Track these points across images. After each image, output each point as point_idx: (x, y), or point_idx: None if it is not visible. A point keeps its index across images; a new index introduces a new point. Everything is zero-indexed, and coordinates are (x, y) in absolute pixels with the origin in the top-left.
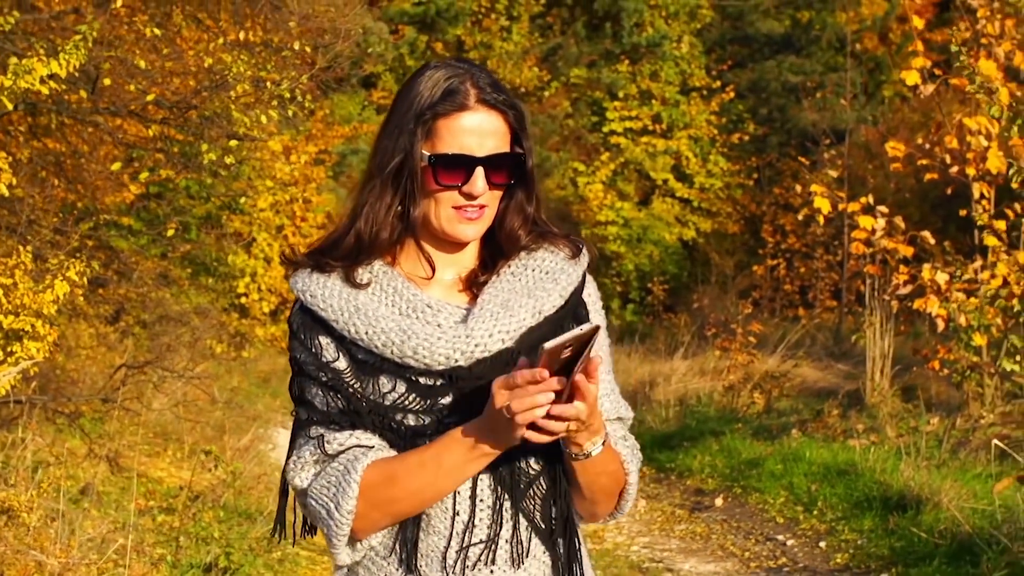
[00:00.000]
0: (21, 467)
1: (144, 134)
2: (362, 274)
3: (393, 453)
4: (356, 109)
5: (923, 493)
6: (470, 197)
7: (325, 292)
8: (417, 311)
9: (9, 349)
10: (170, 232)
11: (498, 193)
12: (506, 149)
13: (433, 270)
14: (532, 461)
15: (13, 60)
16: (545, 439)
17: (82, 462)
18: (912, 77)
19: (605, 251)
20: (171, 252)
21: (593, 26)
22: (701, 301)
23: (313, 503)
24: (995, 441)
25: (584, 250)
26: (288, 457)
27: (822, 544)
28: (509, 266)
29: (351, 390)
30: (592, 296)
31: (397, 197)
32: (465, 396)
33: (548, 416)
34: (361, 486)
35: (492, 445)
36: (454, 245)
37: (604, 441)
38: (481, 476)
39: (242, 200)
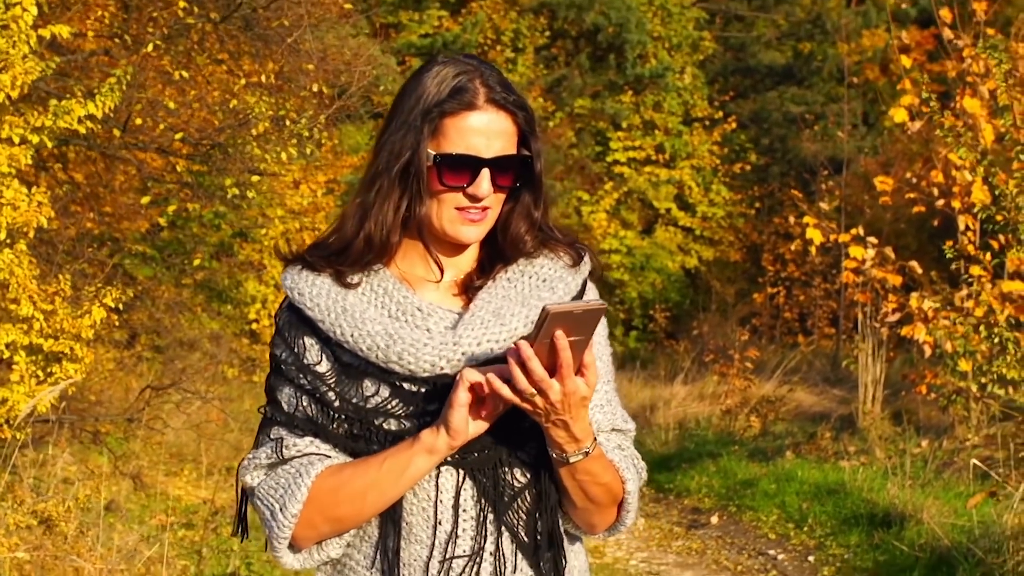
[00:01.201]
0: (52, 482)
1: (162, 166)
2: (353, 275)
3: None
4: (364, 139)
5: (907, 510)
6: (474, 199)
7: (313, 291)
8: (407, 314)
9: (49, 370)
10: (196, 261)
11: (502, 196)
12: (513, 151)
13: (442, 272)
14: (518, 474)
15: (53, 102)
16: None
17: (107, 479)
18: (900, 115)
19: (608, 279)
20: (186, 280)
21: (597, 58)
22: (701, 328)
23: (259, 503)
24: (974, 461)
25: (586, 258)
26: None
27: (811, 558)
28: (506, 272)
29: (332, 394)
30: None
31: (404, 197)
32: None
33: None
34: (311, 491)
35: (436, 438)
36: (453, 247)
37: (589, 450)
38: (464, 487)
39: (262, 232)
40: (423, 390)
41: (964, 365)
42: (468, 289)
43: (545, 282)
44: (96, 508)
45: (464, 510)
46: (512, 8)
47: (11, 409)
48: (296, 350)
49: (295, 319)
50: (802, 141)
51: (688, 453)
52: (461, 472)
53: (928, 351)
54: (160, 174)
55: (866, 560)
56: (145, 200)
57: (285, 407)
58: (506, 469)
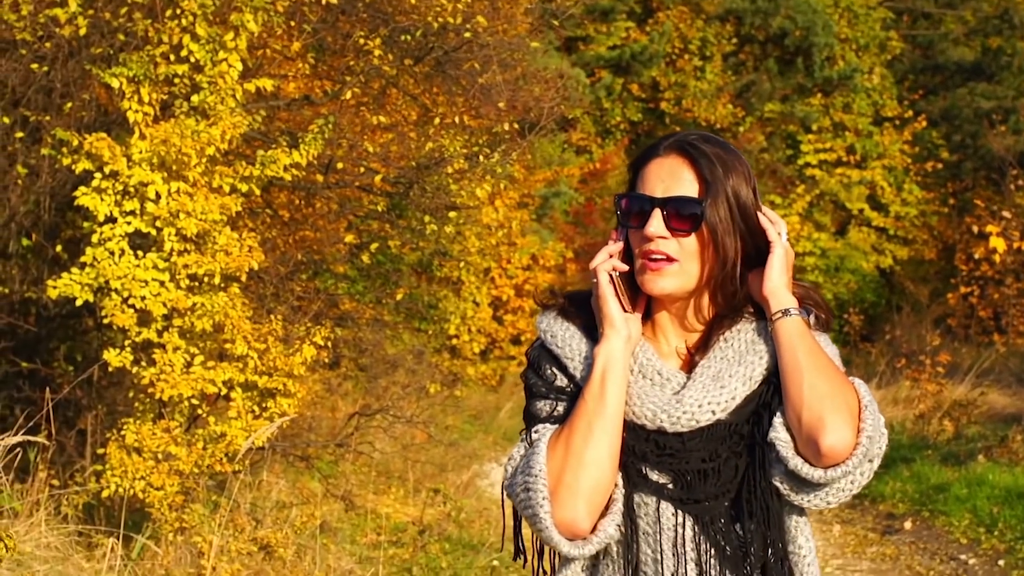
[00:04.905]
0: (268, 506)
1: (366, 202)
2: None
3: None
4: (556, 152)
5: None
6: (646, 239)
7: (567, 335)
8: (647, 376)
9: (264, 405)
10: (399, 296)
11: (692, 246)
12: (693, 195)
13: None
14: (750, 525)
15: (260, 152)
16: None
17: (320, 501)
18: None
19: (804, 282)
20: (386, 299)
21: (785, 61)
22: (893, 332)
23: (516, 489)
24: None
25: (811, 317)
26: None
27: (1001, 562)
28: (724, 336)
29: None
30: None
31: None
32: (675, 463)
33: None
34: (548, 444)
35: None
36: (664, 303)
37: (789, 313)
38: (697, 534)
39: (459, 249)
40: (652, 451)
41: None
42: (694, 353)
43: (759, 336)
44: (310, 530)
45: (689, 552)
46: (698, 16)
47: (230, 444)
48: (547, 377)
49: (547, 355)
50: (995, 136)
51: (883, 458)
52: (693, 522)
53: None
54: (359, 206)
55: None
56: (350, 238)
57: (543, 415)
58: (733, 522)
